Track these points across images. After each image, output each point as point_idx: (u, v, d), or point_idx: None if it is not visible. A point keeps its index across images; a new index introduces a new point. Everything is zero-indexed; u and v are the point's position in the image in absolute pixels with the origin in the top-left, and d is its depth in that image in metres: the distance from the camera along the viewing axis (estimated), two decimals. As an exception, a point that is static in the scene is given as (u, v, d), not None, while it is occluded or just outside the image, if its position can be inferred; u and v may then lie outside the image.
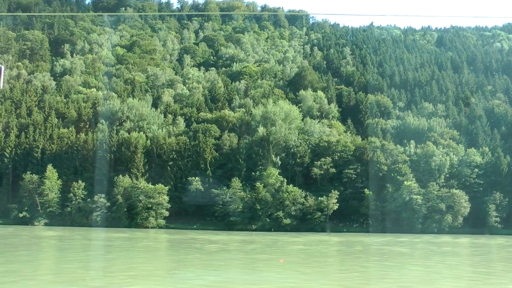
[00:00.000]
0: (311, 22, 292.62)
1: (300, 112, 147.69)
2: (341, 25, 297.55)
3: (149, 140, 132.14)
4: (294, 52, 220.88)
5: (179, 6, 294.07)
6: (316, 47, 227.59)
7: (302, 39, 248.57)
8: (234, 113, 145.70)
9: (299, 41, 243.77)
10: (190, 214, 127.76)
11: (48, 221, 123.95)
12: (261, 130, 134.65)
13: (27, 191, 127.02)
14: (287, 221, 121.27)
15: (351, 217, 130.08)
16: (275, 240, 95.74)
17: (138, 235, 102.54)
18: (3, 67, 29.08)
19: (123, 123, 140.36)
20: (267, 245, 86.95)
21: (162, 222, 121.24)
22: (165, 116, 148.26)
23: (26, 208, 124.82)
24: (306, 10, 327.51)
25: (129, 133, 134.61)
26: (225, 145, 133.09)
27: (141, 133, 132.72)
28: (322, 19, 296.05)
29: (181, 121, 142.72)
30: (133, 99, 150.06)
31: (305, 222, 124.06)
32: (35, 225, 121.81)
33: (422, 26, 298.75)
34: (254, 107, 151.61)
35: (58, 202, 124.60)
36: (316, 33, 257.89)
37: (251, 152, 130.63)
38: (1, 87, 28.81)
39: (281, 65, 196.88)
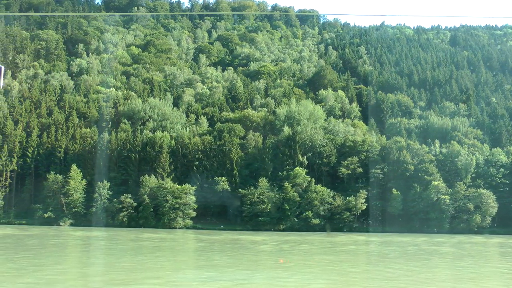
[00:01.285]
0: (321, 22, 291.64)
1: (324, 111, 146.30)
2: (351, 25, 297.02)
3: (173, 140, 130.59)
4: (309, 51, 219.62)
5: (189, 5, 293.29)
6: (330, 47, 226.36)
7: (315, 38, 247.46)
8: (258, 112, 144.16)
9: (312, 41, 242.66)
10: (215, 214, 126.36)
11: (73, 221, 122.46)
12: (286, 129, 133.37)
13: (51, 191, 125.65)
14: (316, 221, 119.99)
15: (378, 217, 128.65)
16: (321, 240, 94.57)
17: (178, 235, 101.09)
18: (3, 67, 28.52)
19: (146, 122, 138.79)
20: (322, 245, 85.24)
21: (189, 222, 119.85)
22: (187, 116, 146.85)
23: (50, 209, 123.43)
24: (316, 10, 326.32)
25: (153, 133, 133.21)
26: (250, 145, 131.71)
27: (165, 132, 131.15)
28: (334, 19, 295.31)
29: (204, 120, 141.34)
30: (153, 98, 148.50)
31: (333, 222, 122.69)
32: (61, 226, 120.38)
33: (431, 25, 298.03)
34: (276, 107, 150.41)
35: (83, 203, 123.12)
36: (329, 32, 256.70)
37: (277, 152, 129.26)
38: (1, 87, 28.19)
39: (298, 64, 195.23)
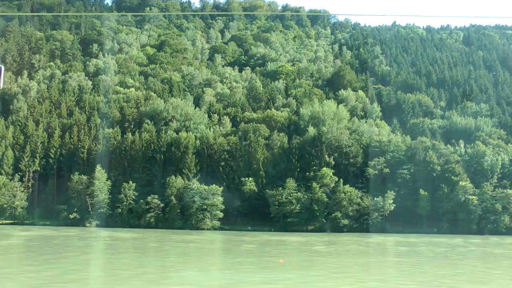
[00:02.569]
0: (332, 22, 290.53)
1: (348, 111, 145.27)
2: (361, 25, 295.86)
3: (198, 140, 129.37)
4: (324, 51, 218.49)
5: (200, 5, 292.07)
6: (344, 47, 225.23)
7: (328, 38, 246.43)
8: (281, 112, 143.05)
9: (325, 40, 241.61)
10: (242, 215, 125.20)
11: (99, 222, 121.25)
12: (311, 130, 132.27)
13: (75, 192, 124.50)
14: (345, 221, 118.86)
15: (406, 217, 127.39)
16: (364, 241, 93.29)
17: (217, 237, 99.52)
18: (3, 67, 27.87)
19: (169, 123, 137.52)
20: (378, 247, 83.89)
21: (217, 223, 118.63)
22: (208, 116, 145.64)
23: (75, 209, 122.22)
24: (327, 10, 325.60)
25: (177, 133, 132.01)
26: (275, 145, 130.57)
27: (190, 133, 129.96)
28: (344, 19, 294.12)
29: (227, 120, 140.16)
30: (175, 98, 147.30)
31: (361, 223, 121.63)
32: (87, 226, 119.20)
33: (441, 25, 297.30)
34: (298, 107, 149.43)
35: (108, 203, 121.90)
36: (342, 32, 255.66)
37: (304, 152, 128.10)
38: (1, 87, 27.62)
39: (315, 64, 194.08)
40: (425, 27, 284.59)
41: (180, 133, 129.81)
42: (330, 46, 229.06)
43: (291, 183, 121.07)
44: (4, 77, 26.40)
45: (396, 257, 68.88)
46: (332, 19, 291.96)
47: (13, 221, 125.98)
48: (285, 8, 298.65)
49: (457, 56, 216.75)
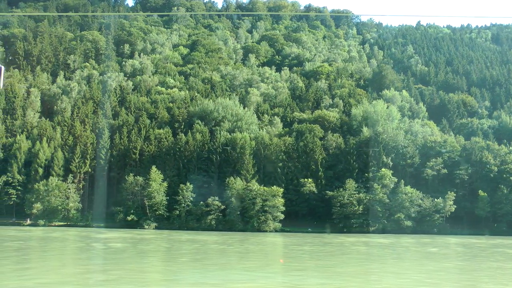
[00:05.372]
0: (355, 22, 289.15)
1: (398, 112, 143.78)
2: (383, 25, 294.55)
3: (253, 141, 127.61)
4: (356, 51, 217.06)
5: (224, 5, 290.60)
6: (376, 46, 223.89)
7: (357, 38, 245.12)
8: (332, 113, 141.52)
9: (354, 40, 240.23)
10: (300, 216, 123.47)
11: (157, 224, 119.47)
12: (365, 130, 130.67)
13: (130, 193, 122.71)
14: (408, 223, 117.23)
15: (464, 219, 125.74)
16: (440, 241, 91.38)
17: (324, 240, 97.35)
18: (3, 67, 26.60)
19: (220, 123, 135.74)
20: (481, 251, 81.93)
21: (278, 225, 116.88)
22: (257, 116, 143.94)
23: (132, 211, 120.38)
24: (349, 10, 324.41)
25: (230, 134, 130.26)
26: (331, 146, 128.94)
27: (245, 133, 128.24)
28: (368, 19, 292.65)
29: (278, 121, 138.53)
30: (222, 98, 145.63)
31: (422, 224, 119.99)
32: (145, 229, 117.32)
33: (461, 24, 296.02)
34: (345, 107, 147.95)
35: (165, 205, 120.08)
36: (369, 32, 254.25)
37: (361, 152, 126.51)
38: (1, 87, 26.41)
39: (354, 64, 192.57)
40: (444, 26, 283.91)
41: (235, 134, 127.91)
42: (361, 46, 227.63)
43: (351, 184, 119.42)
44: (3, 77, 25.31)
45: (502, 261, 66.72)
46: (355, 19, 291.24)
47: (66, 223, 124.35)
48: (308, 8, 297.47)
49: (490, 55, 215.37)
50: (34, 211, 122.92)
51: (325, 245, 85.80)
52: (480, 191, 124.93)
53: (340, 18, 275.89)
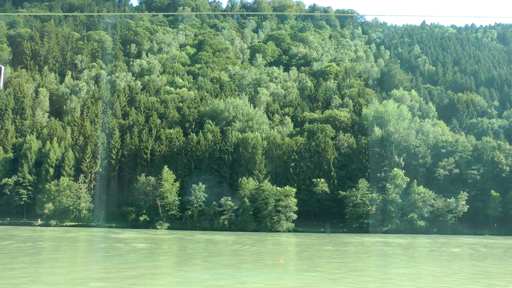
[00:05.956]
0: (359, 22, 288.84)
1: (409, 111, 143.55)
2: (388, 24, 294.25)
3: (265, 141, 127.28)
4: (362, 51, 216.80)
5: (228, 5, 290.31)
6: (382, 46, 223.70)
7: (363, 37, 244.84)
8: (343, 112, 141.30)
9: (360, 40, 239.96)
10: (312, 216, 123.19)
11: (170, 225, 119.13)
12: (377, 130, 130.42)
13: (142, 193, 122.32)
14: (422, 223, 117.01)
15: (476, 219, 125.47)
16: (480, 243, 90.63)
17: (354, 239, 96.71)
18: (3, 67, 26.29)
19: (231, 123, 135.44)
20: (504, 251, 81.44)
21: (291, 225, 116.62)
22: (267, 116, 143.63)
23: (144, 211, 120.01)
24: (353, 9, 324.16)
25: (241, 134, 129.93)
26: (342, 146, 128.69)
27: (257, 133, 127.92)
28: (373, 19, 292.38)
29: (288, 121, 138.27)
30: (233, 98, 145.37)
31: (435, 224, 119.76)
32: (158, 229, 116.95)
33: (465, 24, 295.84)
34: (355, 106, 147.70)
35: (178, 205, 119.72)
36: (375, 32, 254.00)
37: (373, 152, 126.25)
38: (1, 87, 26.02)
39: (360, 64, 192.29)
40: (449, 26, 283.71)
41: (246, 133, 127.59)
42: (368, 46, 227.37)
43: (363, 184, 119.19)
44: (3, 77, 25.03)
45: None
46: (360, 18, 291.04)
47: (77, 223, 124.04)
48: (313, 7, 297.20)
49: (497, 55, 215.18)
50: (46, 211, 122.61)
51: (346, 245, 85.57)
52: (492, 191, 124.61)
53: (344, 18, 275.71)
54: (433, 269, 53.97)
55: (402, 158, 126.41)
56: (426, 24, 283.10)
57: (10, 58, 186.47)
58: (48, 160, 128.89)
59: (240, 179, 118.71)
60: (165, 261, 59.83)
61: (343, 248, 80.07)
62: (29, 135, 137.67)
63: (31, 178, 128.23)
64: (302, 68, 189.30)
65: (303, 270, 51.18)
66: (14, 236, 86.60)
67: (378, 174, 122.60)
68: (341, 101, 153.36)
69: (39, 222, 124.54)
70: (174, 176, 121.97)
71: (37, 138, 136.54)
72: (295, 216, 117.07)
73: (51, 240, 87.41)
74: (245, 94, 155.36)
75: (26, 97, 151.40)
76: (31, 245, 74.65)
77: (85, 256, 65.67)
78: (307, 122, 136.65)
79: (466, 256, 72.99)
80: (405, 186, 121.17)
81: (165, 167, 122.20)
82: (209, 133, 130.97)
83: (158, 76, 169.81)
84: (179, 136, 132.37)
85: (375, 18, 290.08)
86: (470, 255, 74.26)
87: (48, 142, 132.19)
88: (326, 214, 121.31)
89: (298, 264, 57.92)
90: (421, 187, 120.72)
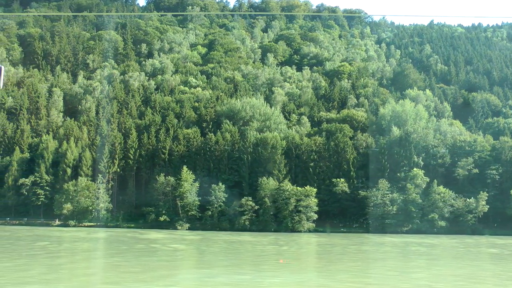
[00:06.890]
0: (367, 21, 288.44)
1: (425, 111, 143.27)
2: (395, 24, 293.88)
3: (284, 141, 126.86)
4: (373, 51, 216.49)
5: (237, 4, 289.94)
6: (392, 46, 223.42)
7: (372, 37, 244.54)
8: (361, 112, 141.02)
9: (370, 39, 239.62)
10: (331, 216, 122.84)
11: (190, 225, 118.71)
12: (395, 130, 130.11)
13: (161, 193, 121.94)
14: (442, 223, 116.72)
15: (496, 219, 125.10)
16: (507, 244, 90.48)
17: (392, 240, 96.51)
18: (3, 67, 26.49)
19: (249, 122, 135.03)
20: None
21: (312, 225, 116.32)
22: (284, 116, 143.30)
23: (164, 212, 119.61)
24: (361, 9, 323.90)
25: (259, 133, 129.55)
26: (361, 146, 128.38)
27: (276, 133, 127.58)
28: (380, 18, 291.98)
29: (306, 120, 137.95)
30: (249, 98, 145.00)
31: (455, 224, 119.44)
32: (178, 229, 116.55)
33: (472, 23, 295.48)
34: (370, 106, 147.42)
35: (198, 206, 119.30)
36: (384, 32, 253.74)
37: (392, 152, 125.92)
38: (1, 87, 26.25)
39: (373, 63, 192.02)
40: (456, 25, 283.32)
41: (265, 133, 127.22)
42: (378, 46, 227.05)
43: (384, 184, 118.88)
44: (3, 76, 25.07)
45: None
46: (368, 18, 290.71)
47: (96, 224, 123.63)
48: (320, 7, 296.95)
49: (509, 54, 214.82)
50: (64, 211, 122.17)
51: (380, 245, 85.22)
52: (511, 191, 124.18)
53: (352, 18, 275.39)
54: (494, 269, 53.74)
55: (421, 158, 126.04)
56: (434, 23, 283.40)
57: (21, 58, 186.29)
58: (66, 160, 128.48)
59: (260, 179, 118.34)
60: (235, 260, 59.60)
61: (382, 249, 79.78)
62: (45, 135, 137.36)
63: (48, 178, 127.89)
64: (315, 68, 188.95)
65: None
66: (42, 236, 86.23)
67: (398, 174, 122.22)
68: (356, 101, 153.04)
69: (57, 222, 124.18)
70: (193, 176, 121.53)
71: (53, 138, 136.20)
72: (315, 216, 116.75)
73: (86, 241, 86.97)
74: (260, 94, 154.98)
75: (41, 97, 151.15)
76: (69, 246, 74.02)
77: (149, 258, 64.05)
78: (324, 122, 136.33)
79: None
80: (424, 186, 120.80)
81: (184, 167, 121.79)
82: (227, 133, 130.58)
83: (171, 76, 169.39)
84: (197, 136, 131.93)
85: (383, 17, 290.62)
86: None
87: (64, 142, 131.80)
88: (345, 214, 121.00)
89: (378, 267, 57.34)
90: (441, 187, 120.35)
